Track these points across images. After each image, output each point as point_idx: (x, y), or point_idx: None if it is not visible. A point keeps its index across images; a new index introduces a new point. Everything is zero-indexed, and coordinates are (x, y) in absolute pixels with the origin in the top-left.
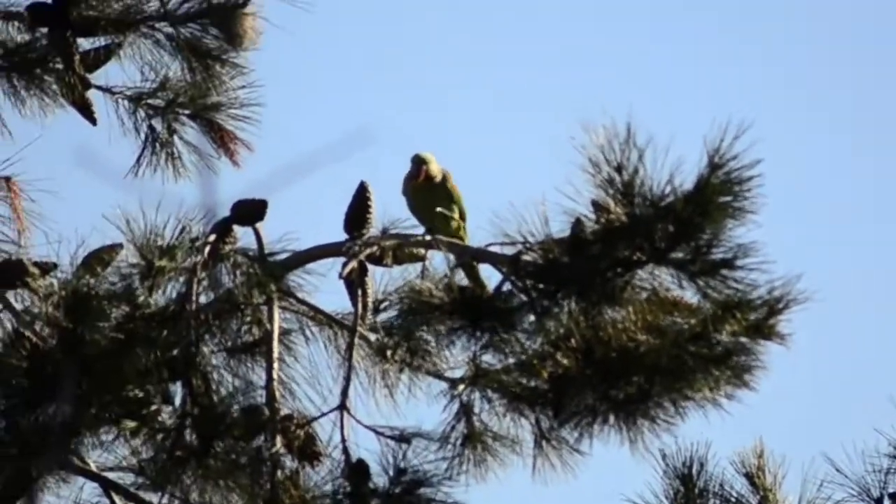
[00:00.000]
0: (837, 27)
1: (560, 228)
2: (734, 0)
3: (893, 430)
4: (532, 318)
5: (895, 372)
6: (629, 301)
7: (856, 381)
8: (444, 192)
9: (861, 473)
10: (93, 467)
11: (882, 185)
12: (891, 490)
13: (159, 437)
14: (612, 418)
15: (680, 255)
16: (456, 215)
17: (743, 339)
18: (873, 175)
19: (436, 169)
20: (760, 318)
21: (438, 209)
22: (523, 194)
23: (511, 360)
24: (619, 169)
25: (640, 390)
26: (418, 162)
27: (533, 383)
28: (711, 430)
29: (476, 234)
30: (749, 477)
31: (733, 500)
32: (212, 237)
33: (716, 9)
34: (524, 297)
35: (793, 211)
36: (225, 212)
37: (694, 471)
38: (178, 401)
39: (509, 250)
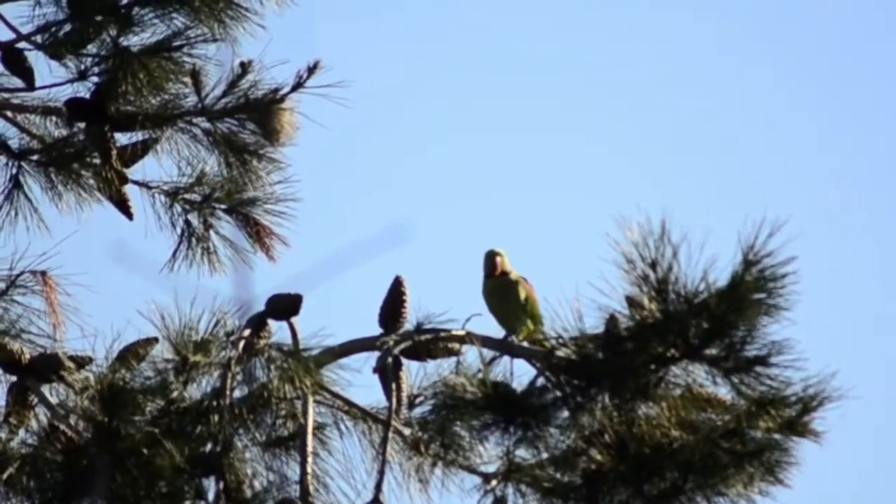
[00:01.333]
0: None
1: (594, 324)
2: (768, 96)
3: None
4: (566, 413)
5: None
6: (663, 397)
7: (892, 478)
8: (516, 293)
9: None
10: None
11: None
12: None
13: None
14: None
15: (714, 351)
16: (528, 321)
17: (776, 436)
18: None
19: (508, 264)
20: (794, 416)
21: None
22: (557, 290)
23: (545, 455)
24: (653, 265)
25: (673, 486)
26: (491, 256)
27: (567, 478)
28: None
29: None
30: None
31: None
32: (246, 332)
33: (752, 106)
34: (558, 393)
35: (828, 307)
36: (260, 306)
37: None
38: (211, 496)
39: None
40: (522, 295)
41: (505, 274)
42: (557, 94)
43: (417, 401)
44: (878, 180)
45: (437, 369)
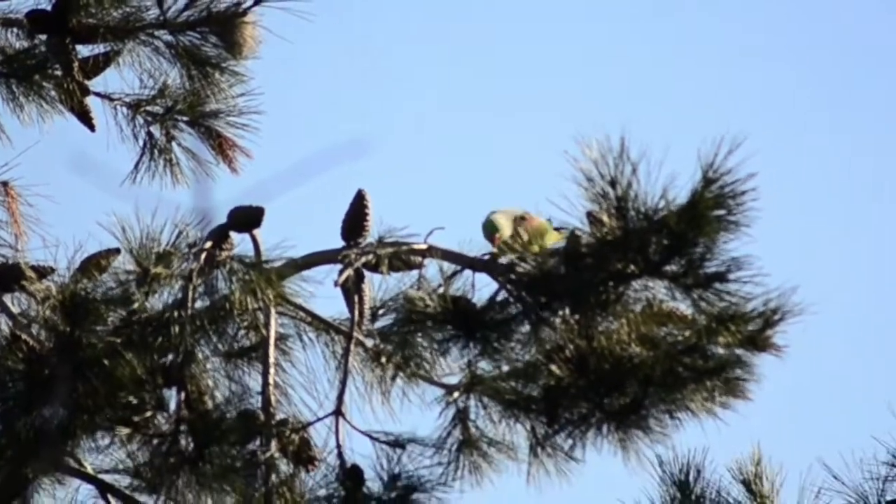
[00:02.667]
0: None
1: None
2: (729, 13)
3: (891, 438)
4: (526, 328)
5: (892, 381)
6: (623, 313)
7: (854, 389)
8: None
9: (859, 481)
10: (89, 469)
11: (880, 195)
12: (888, 498)
13: (154, 442)
14: (605, 428)
15: (673, 268)
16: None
17: (738, 351)
18: (871, 184)
19: (507, 230)
20: (755, 331)
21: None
22: (517, 206)
23: (506, 368)
24: (612, 183)
25: (633, 401)
26: (489, 234)
27: (528, 391)
28: (709, 437)
29: (472, 245)
30: (746, 484)
31: None
32: (208, 244)
33: (709, 24)
34: (518, 307)
35: (789, 223)
36: (221, 217)
37: (691, 478)
38: (173, 406)
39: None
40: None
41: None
42: (519, 14)
43: (380, 312)
44: (835, 96)
45: (400, 282)
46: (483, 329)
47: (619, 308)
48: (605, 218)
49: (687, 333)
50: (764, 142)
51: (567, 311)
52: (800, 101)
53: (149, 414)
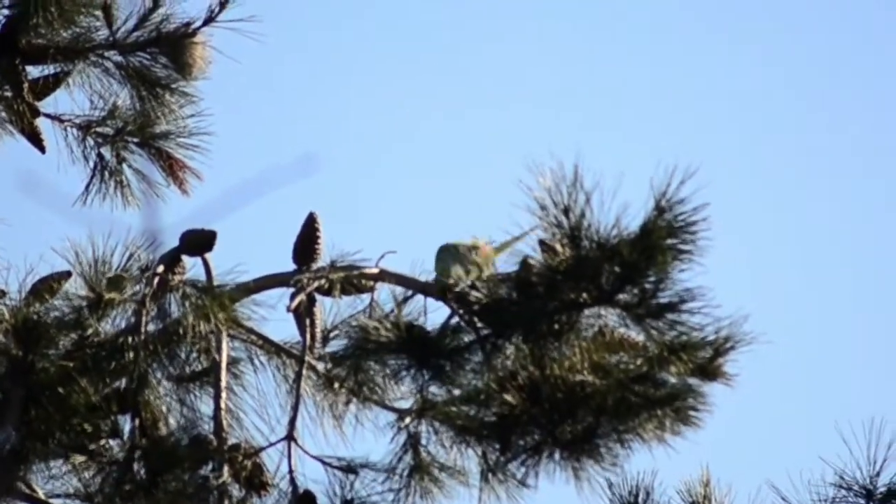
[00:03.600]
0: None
1: (507, 269)
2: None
3: (838, 459)
4: (479, 356)
5: (839, 403)
6: (575, 341)
7: (802, 411)
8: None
9: (807, 502)
10: (40, 494)
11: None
12: None
13: (107, 469)
14: (558, 456)
15: (626, 297)
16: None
17: (689, 380)
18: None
19: (459, 272)
20: (706, 359)
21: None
22: (469, 235)
23: (458, 393)
24: (566, 211)
25: (586, 430)
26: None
27: (481, 415)
28: (658, 459)
29: (424, 269)
30: None
31: None
32: (160, 268)
33: (664, 52)
34: (472, 334)
35: (740, 252)
36: (171, 239)
37: (640, 500)
38: (126, 433)
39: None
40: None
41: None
42: (473, 37)
43: (332, 335)
44: (789, 125)
45: (351, 305)
46: (436, 357)
47: (572, 336)
48: (557, 246)
49: (639, 362)
50: (717, 171)
51: (519, 338)
52: (752, 128)
53: (103, 441)
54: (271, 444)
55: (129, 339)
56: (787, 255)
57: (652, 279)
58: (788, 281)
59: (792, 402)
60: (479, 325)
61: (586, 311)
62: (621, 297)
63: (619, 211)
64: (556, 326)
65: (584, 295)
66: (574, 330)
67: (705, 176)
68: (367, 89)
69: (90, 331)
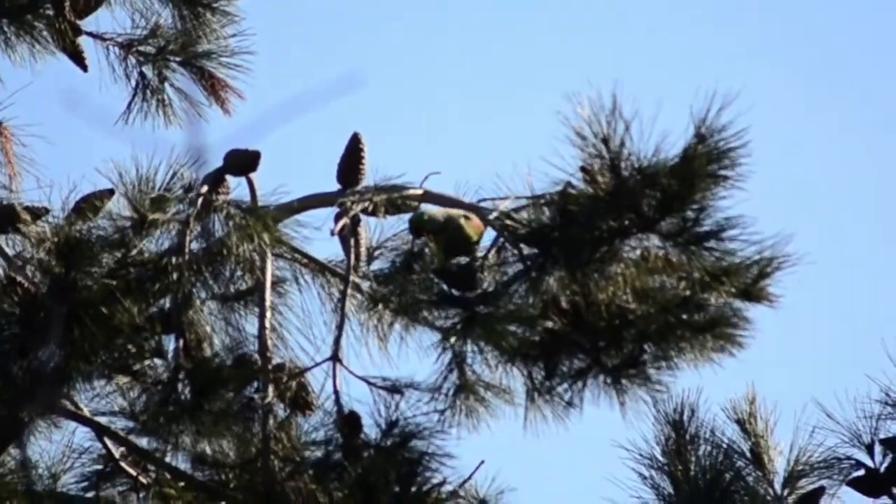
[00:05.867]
0: None
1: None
2: None
3: (884, 376)
4: (524, 282)
5: (885, 319)
6: (618, 267)
7: (847, 329)
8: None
9: (852, 419)
10: (85, 412)
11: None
12: (882, 436)
13: (152, 389)
14: (602, 381)
15: (668, 225)
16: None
17: (732, 302)
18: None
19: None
20: (750, 282)
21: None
22: (509, 165)
23: (501, 314)
24: (605, 141)
25: (629, 356)
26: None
27: (526, 335)
28: (703, 377)
29: (468, 189)
30: (741, 423)
31: (724, 446)
32: (204, 188)
33: None
34: (516, 257)
35: (782, 174)
36: (214, 158)
37: (685, 417)
38: (170, 353)
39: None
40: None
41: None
42: None
43: (376, 254)
44: (829, 50)
45: (396, 225)
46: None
47: (614, 263)
48: (598, 176)
49: (681, 286)
50: (757, 96)
51: (562, 265)
52: (793, 53)
53: (147, 361)
54: (316, 365)
55: (173, 259)
56: (828, 176)
57: (693, 206)
58: (831, 201)
59: (837, 321)
60: (524, 249)
61: (628, 239)
62: (663, 224)
63: (658, 139)
64: (598, 253)
65: (626, 222)
66: (616, 256)
67: (745, 101)
68: (411, 9)
69: (133, 250)
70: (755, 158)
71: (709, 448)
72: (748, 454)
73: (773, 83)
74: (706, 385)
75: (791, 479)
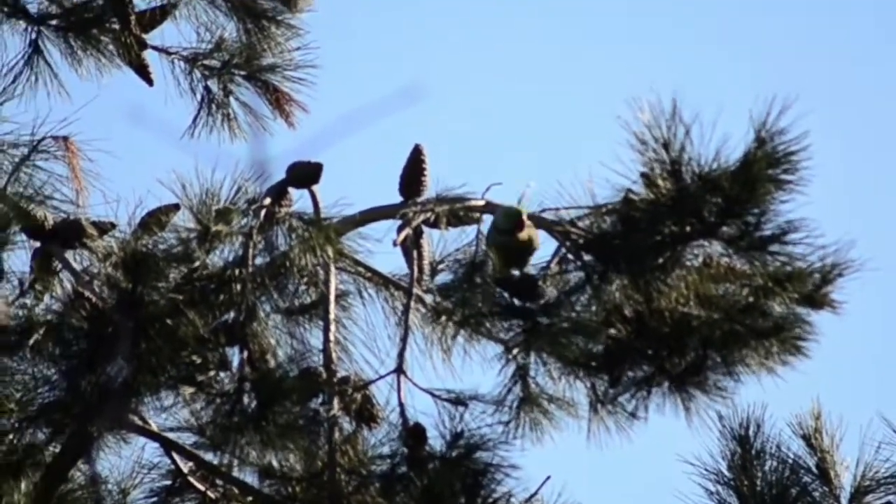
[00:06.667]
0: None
1: (610, 207)
2: None
3: None
4: (587, 291)
5: None
6: (680, 274)
7: None
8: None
9: None
10: (153, 427)
11: None
12: None
13: (218, 401)
14: (666, 388)
15: (729, 230)
16: None
17: (796, 309)
18: None
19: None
20: (813, 288)
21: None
22: (569, 171)
23: (565, 325)
24: (665, 146)
25: (694, 362)
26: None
27: (589, 347)
28: (768, 392)
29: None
30: (806, 438)
31: (790, 461)
32: (267, 200)
33: None
34: (578, 264)
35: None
36: (277, 171)
37: (751, 432)
38: (235, 365)
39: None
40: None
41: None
42: None
43: (440, 267)
44: (888, 48)
45: (458, 238)
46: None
47: (677, 269)
48: (658, 181)
49: (745, 292)
50: (817, 100)
51: (624, 272)
52: (850, 53)
53: (212, 373)
54: (381, 377)
55: (237, 271)
56: (890, 180)
57: (755, 211)
58: (893, 205)
59: None
60: (586, 258)
61: (690, 245)
62: (724, 229)
63: (719, 143)
64: (661, 260)
65: (688, 228)
66: (678, 263)
67: (805, 105)
68: (472, 21)
69: (198, 263)
70: (816, 162)
71: (775, 463)
72: (814, 470)
73: (834, 85)
74: (771, 400)
75: (857, 494)
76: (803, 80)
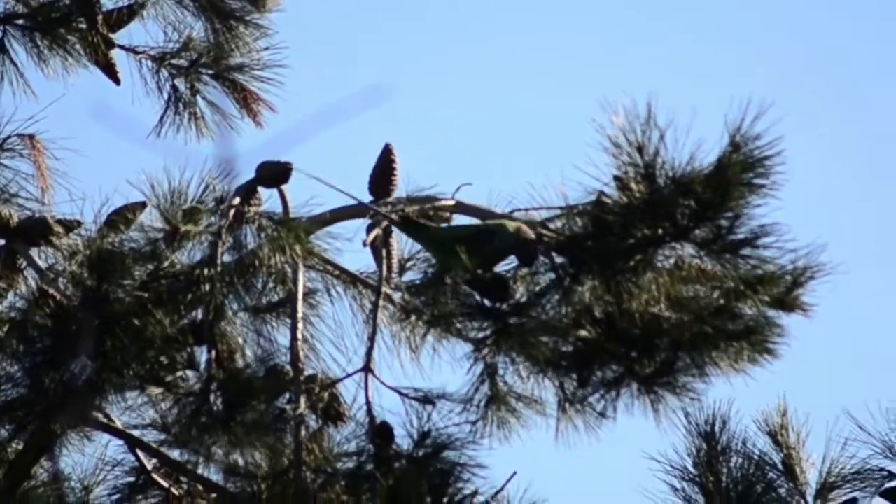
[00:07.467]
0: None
1: (582, 208)
2: None
3: None
4: (557, 292)
5: None
6: (651, 276)
7: (879, 340)
8: None
9: (885, 431)
10: (117, 424)
11: None
12: None
13: (184, 401)
14: (636, 390)
15: (702, 233)
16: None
17: (766, 311)
18: None
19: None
20: (784, 291)
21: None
22: (542, 174)
23: (534, 325)
24: (640, 149)
25: (664, 364)
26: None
27: (558, 346)
28: (735, 389)
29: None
30: (772, 435)
31: (756, 458)
32: (236, 199)
33: None
34: (548, 267)
35: (817, 183)
36: (245, 170)
37: (717, 429)
38: (202, 365)
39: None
40: None
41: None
42: None
43: (408, 265)
44: (861, 55)
45: None
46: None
47: (648, 271)
48: (632, 184)
49: (715, 295)
50: (791, 104)
51: (596, 273)
52: (825, 62)
53: (179, 373)
54: (348, 375)
55: (205, 270)
56: (862, 185)
57: (728, 214)
58: (864, 211)
59: (870, 331)
60: (557, 259)
61: (662, 248)
62: (697, 232)
63: (693, 148)
64: (632, 262)
65: (660, 231)
66: (650, 265)
67: (779, 110)
68: (441, 18)
69: (166, 262)
70: (789, 167)
71: (740, 460)
72: (780, 466)
73: (807, 91)
74: (737, 396)
75: (823, 490)
76: (780, 82)
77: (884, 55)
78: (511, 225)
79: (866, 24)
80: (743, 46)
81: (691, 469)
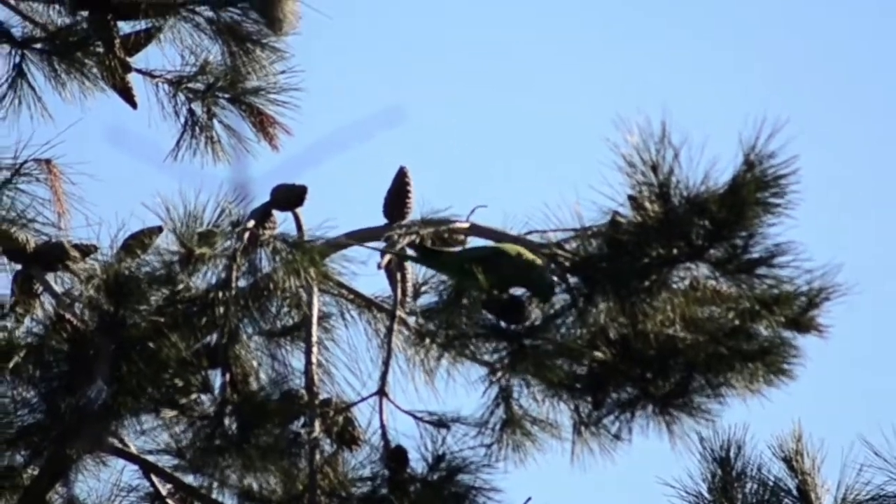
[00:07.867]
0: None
1: (597, 229)
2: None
3: None
4: (572, 313)
5: None
6: (666, 296)
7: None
8: None
9: None
10: (132, 449)
11: None
12: None
13: (198, 424)
14: (651, 411)
15: (717, 253)
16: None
17: (782, 332)
18: None
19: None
20: (799, 312)
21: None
22: (556, 193)
23: (550, 347)
24: (654, 168)
25: (679, 385)
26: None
27: (573, 369)
28: (750, 413)
29: (514, 222)
30: (787, 461)
31: (771, 484)
32: (251, 223)
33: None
34: (564, 287)
35: (832, 204)
36: (261, 193)
37: (731, 454)
38: (217, 388)
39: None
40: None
41: None
42: None
43: (423, 289)
44: (877, 72)
45: None
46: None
47: (663, 292)
48: (646, 203)
49: (731, 315)
50: (806, 123)
51: (610, 294)
52: (839, 81)
53: (194, 396)
54: (363, 399)
55: (220, 294)
56: (878, 205)
57: (742, 234)
58: (881, 231)
59: (885, 355)
60: (572, 280)
61: (677, 268)
62: (712, 252)
63: (707, 166)
64: (647, 283)
65: (675, 251)
66: (665, 285)
67: (794, 128)
68: (455, 42)
69: (181, 286)
70: (805, 185)
71: (755, 486)
72: (795, 492)
73: (807, 92)
74: (752, 422)
75: None
76: (792, 104)
77: (884, 55)
78: (530, 257)
79: (865, 22)
80: (741, 42)
81: (706, 494)
